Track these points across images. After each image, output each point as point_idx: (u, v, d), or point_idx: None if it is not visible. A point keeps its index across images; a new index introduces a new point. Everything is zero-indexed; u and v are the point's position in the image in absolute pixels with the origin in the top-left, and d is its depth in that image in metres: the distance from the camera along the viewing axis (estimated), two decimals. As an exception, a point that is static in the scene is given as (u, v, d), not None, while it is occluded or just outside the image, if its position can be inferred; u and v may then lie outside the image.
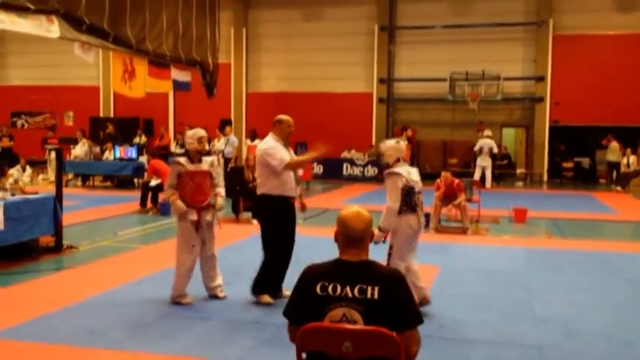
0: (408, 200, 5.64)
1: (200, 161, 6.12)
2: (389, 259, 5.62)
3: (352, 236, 2.93)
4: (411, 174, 5.80)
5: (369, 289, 2.84)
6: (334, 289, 2.87)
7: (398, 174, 5.68)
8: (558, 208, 13.79)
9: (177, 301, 5.97)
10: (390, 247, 5.69)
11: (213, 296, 6.18)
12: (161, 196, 12.70)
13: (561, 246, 9.41)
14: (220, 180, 6.38)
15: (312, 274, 2.94)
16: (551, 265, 7.95)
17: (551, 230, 10.92)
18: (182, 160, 6.08)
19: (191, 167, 6.04)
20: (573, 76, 21.13)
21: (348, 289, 2.85)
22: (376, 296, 2.81)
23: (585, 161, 21.35)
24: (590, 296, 6.43)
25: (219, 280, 6.23)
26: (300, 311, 2.92)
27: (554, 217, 12.40)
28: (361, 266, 2.91)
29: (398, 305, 2.83)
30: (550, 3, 21.37)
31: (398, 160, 5.81)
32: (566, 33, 21.29)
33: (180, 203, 5.94)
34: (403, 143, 6.05)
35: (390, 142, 5.98)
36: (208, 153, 8.45)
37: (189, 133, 6.24)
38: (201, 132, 6.17)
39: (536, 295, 6.44)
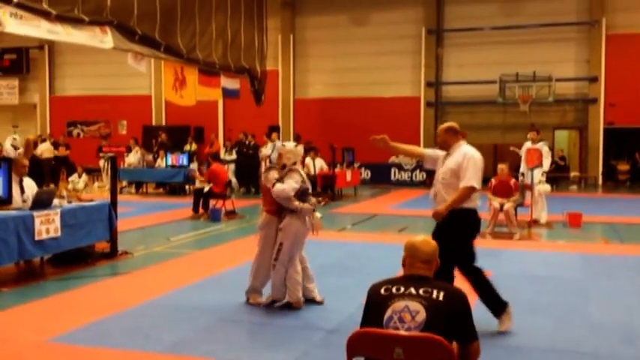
0: (303, 199, 5.82)
1: None
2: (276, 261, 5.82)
3: (421, 258, 3.03)
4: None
5: (435, 291, 2.89)
6: (398, 289, 2.93)
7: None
8: (615, 212, 13.37)
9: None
10: (280, 248, 5.81)
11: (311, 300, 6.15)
12: (214, 203, 12.86)
13: (619, 252, 9.11)
14: None
15: (378, 284, 3.04)
16: (609, 272, 7.70)
17: (609, 235, 10.59)
18: (275, 174, 5.91)
19: None
20: (628, 76, 20.51)
21: (412, 289, 2.91)
22: (441, 298, 2.85)
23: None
24: (650, 303, 6.21)
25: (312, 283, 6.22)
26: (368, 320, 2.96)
27: (611, 221, 12.04)
28: (427, 278, 3.00)
29: (463, 319, 2.88)
30: (602, 1, 20.81)
31: (294, 164, 5.95)
32: (620, 32, 20.70)
33: (307, 205, 5.88)
34: (300, 147, 6.19)
35: (290, 145, 6.13)
36: None
37: (289, 147, 6.07)
38: (301, 149, 6.22)
39: (593, 302, 6.25)
